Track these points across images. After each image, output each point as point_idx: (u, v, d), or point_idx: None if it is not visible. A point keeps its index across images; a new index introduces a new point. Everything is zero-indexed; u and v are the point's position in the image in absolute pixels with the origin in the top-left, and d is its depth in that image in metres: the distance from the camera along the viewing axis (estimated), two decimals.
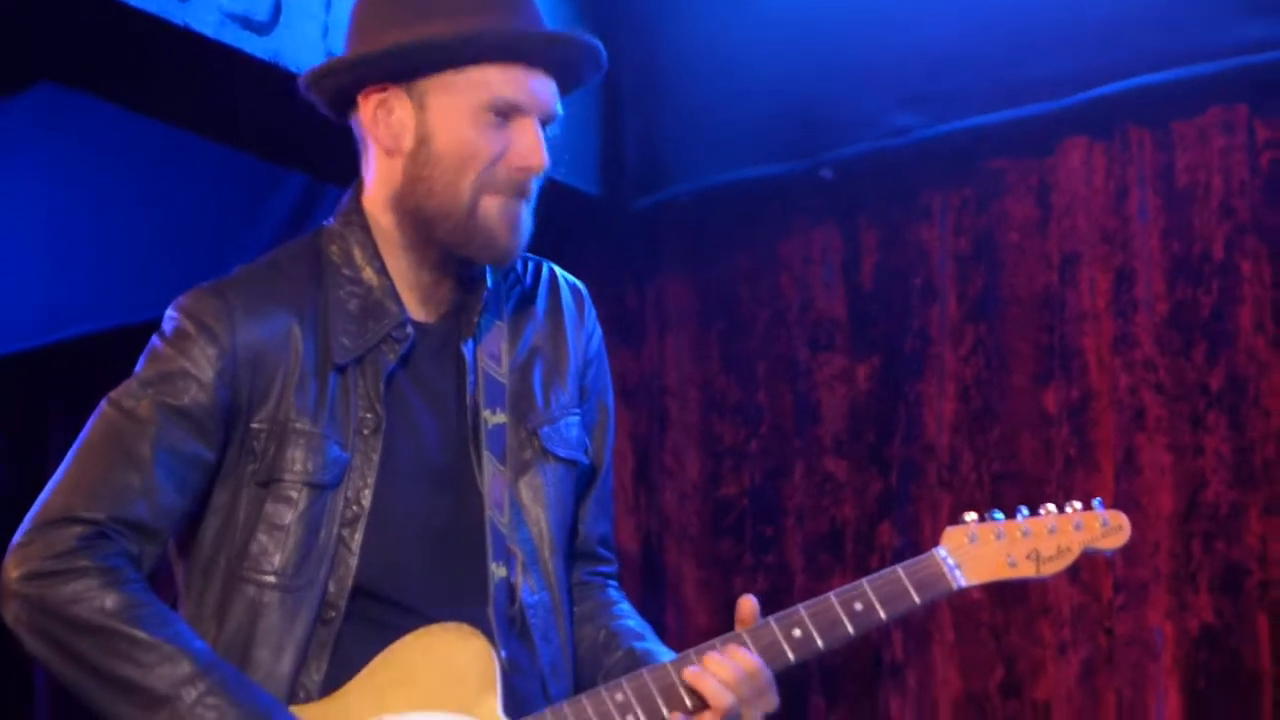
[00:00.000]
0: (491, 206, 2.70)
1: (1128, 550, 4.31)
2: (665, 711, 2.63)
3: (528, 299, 2.86)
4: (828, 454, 4.81)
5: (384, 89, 2.72)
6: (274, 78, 4.12)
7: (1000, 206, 4.63)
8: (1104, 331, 4.46)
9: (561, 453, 2.81)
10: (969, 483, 4.57)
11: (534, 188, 2.74)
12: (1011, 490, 4.49)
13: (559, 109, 2.74)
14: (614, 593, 2.93)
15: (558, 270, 2.92)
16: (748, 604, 2.70)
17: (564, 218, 4.79)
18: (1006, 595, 4.47)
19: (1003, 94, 4.51)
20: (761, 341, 4.95)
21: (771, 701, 2.66)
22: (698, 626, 4.85)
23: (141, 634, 2.56)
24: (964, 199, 4.69)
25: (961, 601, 4.52)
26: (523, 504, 2.76)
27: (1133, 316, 4.41)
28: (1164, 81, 4.36)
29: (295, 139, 4.39)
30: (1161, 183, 4.43)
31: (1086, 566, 4.38)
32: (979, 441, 4.59)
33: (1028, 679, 4.47)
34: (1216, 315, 4.34)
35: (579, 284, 2.94)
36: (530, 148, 2.69)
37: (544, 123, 2.73)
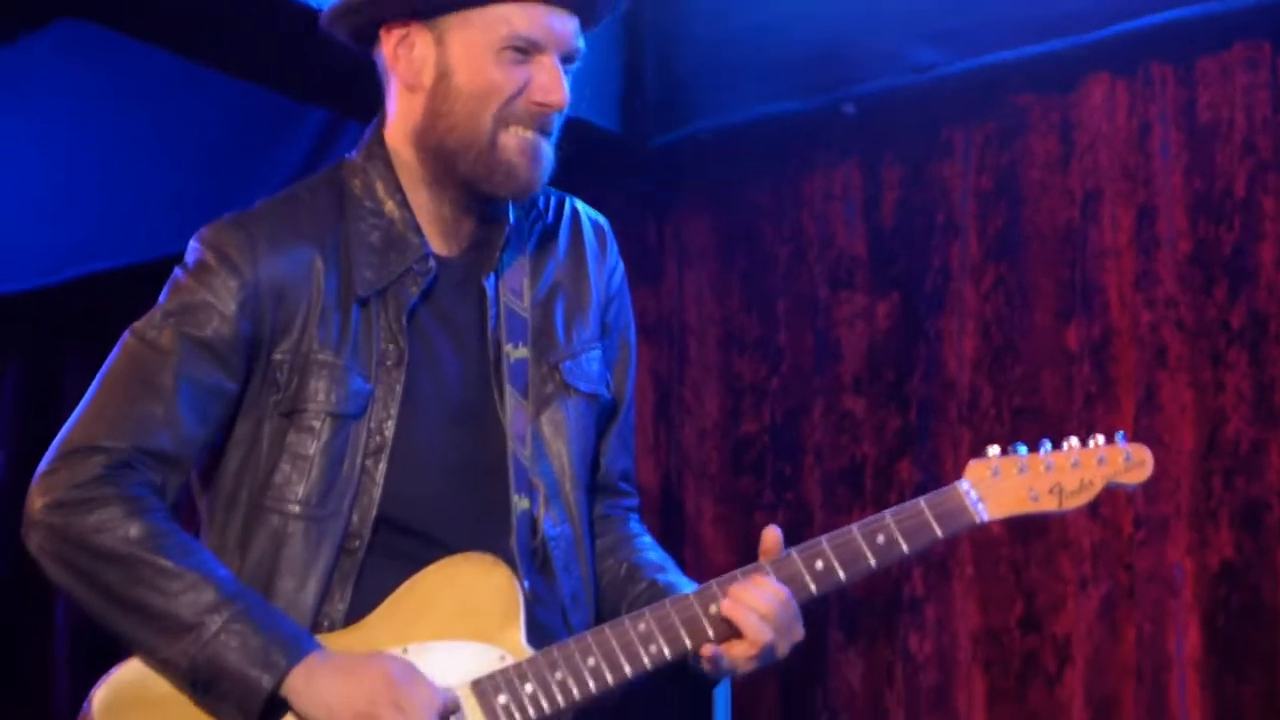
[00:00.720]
0: (511, 140, 2.70)
1: (1148, 486, 4.30)
2: (688, 642, 2.64)
3: (550, 234, 2.86)
4: (847, 391, 4.81)
5: (405, 25, 2.72)
6: (294, 13, 4.11)
7: (1022, 143, 4.62)
8: (1125, 268, 4.45)
9: (583, 387, 2.82)
10: (989, 419, 4.57)
11: (555, 124, 2.74)
12: (1031, 427, 4.49)
13: (580, 45, 2.74)
14: (635, 526, 2.94)
15: (580, 206, 2.92)
16: (772, 535, 2.70)
17: (584, 155, 4.77)
18: (1026, 530, 4.48)
19: (1026, 30, 4.49)
20: (782, 279, 4.95)
21: (799, 632, 2.67)
22: (716, 563, 4.86)
23: (166, 562, 2.57)
24: (986, 135, 4.67)
25: (981, 536, 4.53)
26: (544, 438, 2.77)
27: (1154, 253, 4.41)
28: (1188, 17, 4.35)
29: (315, 75, 4.38)
30: (1184, 119, 4.42)
31: (1107, 502, 4.38)
32: (999, 378, 4.59)
33: (1047, 614, 4.48)
34: (1238, 252, 4.33)
35: (601, 219, 2.94)
36: (550, 84, 2.70)
37: (565, 60, 2.73)
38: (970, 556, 4.54)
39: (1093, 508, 4.38)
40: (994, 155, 4.66)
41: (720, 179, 5.04)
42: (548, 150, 2.74)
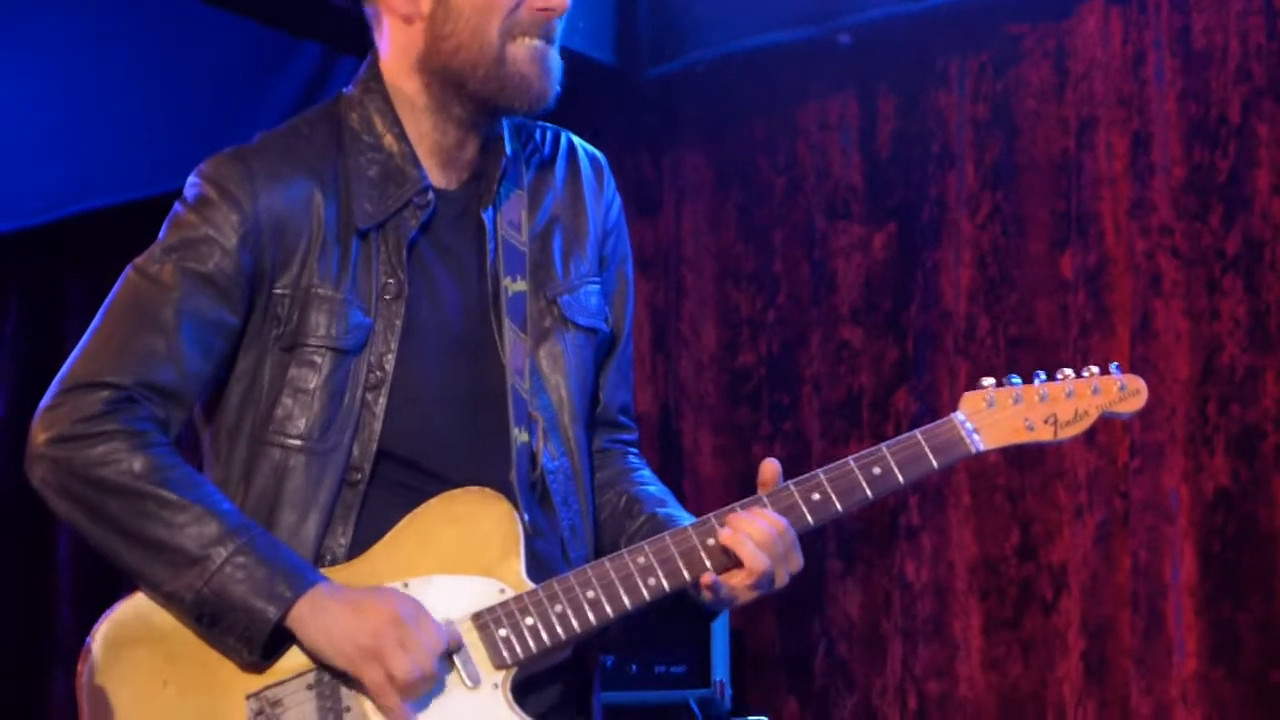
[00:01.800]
0: (520, 50, 2.70)
1: (1144, 414, 4.33)
2: (686, 574, 2.65)
3: (546, 168, 2.86)
4: (844, 322, 4.83)
5: None
6: None
7: (1017, 72, 4.62)
8: (1120, 196, 4.46)
9: (581, 321, 2.82)
10: (985, 348, 4.59)
11: (559, 29, 2.74)
12: (1028, 356, 4.51)
13: None
14: (635, 459, 2.94)
15: (576, 140, 2.92)
16: (770, 467, 2.72)
17: (579, 88, 4.76)
18: (1022, 460, 4.50)
19: None
20: (778, 210, 4.96)
21: (797, 562, 2.68)
22: (715, 494, 4.88)
23: (171, 495, 2.58)
24: (981, 64, 4.67)
25: (977, 466, 4.55)
26: (542, 371, 2.77)
27: (1149, 181, 4.41)
28: None
29: (309, 9, 4.37)
30: (1178, 46, 4.41)
31: (1102, 430, 4.41)
32: (995, 308, 4.60)
33: (1043, 542, 4.51)
34: (1233, 179, 4.34)
35: (598, 153, 2.94)
36: None
37: None
38: (966, 486, 4.57)
39: (1088, 436, 4.43)
40: (989, 84, 4.66)
41: (716, 110, 5.04)
42: (556, 59, 2.75)
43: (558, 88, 2.75)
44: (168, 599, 2.59)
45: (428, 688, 2.57)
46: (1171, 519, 4.32)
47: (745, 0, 4.81)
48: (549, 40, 2.72)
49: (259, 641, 2.55)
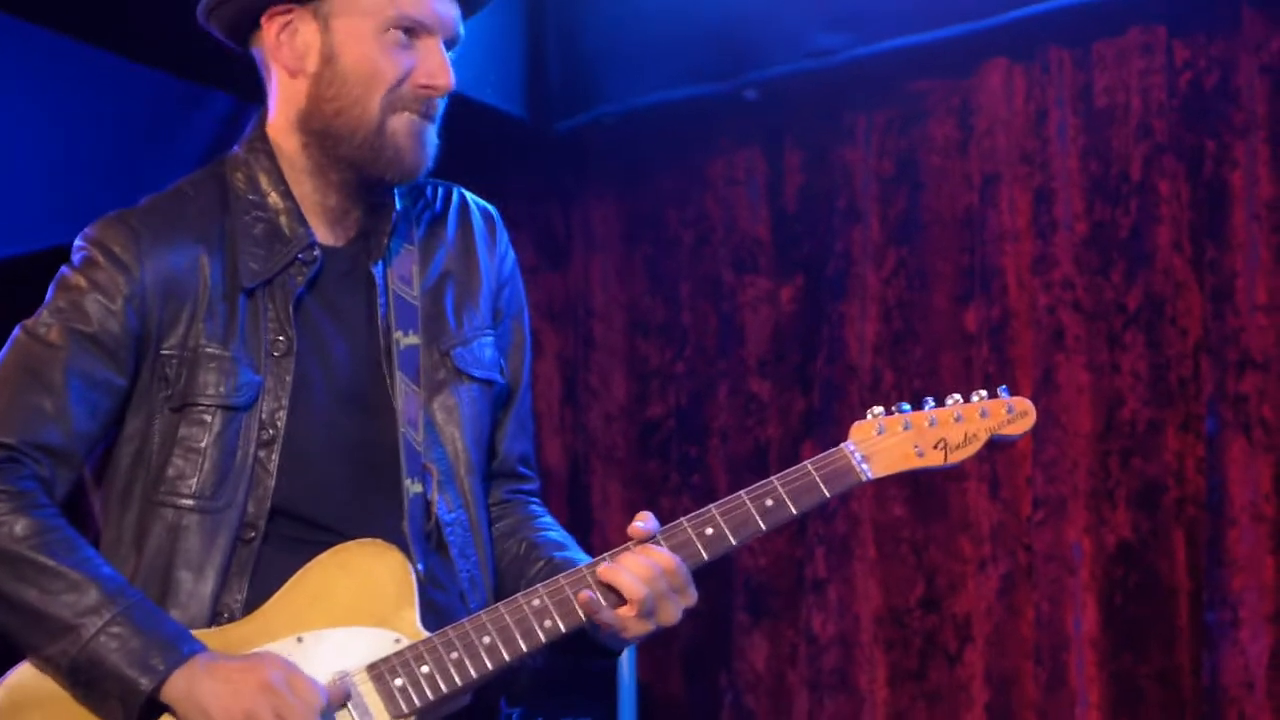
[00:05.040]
0: (400, 123, 2.73)
1: (1047, 468, 4.39)
2: (581, 614, 2.66)
3: (438, 223, 2.88)
4: (752, 374, 4.85)
5: (289, 11, 2.75)
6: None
7: (922, 128, 4.67)
8: (1023, 252, 4.50)
9: (476, 373, 2.83)
10: (890, 401, 4.60)
11: (440, 108, 2.77)
12: None
13: (461, 31, 2.79)
14: (536, 508, 2.95)
15: (468, 194, 2.94)
16: (638, 530, 2.71)
17: (490, 140, 4.79)
18: (927, 512, 4.53)
19: (925, 15, 4.54)
20: (687, 263, 4.98)
21: (690, 596, 2.69)
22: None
23: (48, 561, 2.58)
24: (887, 120, 4.71)
25: (883, 519, 4.57)
26: (436, 423, 2.78)
27: (1052, 236, 4.46)
28: (1084, 3, 4.40)
29: (217, 58, 4.36)
30: (1081, 103, 4.47)
31: (1006, 483, 4.45)
32: (900, 361, 4.63)
33: (947, 594, 4.53)
34: (1134, 235, 4.39)
35: (490, 207, 2.96)
36: (437, 67, 2.73)
37: (448, 44, 2.76)
38: (872, 539, 4.59)
39: (992, 489, 4.48)
40: (894, 140, 4.70)
41: (625, 163, 5.07)
42: (433, 135, 2.77)
43: (431, 164, 2.77)
44: (45, 663, 2.59)
45: None
46: (1074, 571, 4.35)
47: (655, 55, 4.84)
48: (429, 117, 2.75)
49: (134, 710, 2.54)
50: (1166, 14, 4.41)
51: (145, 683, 2.53)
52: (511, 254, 2.94)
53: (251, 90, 4.76)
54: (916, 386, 4.60)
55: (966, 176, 4.61)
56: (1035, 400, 4.44)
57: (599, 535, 4.98)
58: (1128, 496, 4.35)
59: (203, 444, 2.67)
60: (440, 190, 2.91)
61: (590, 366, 5.09)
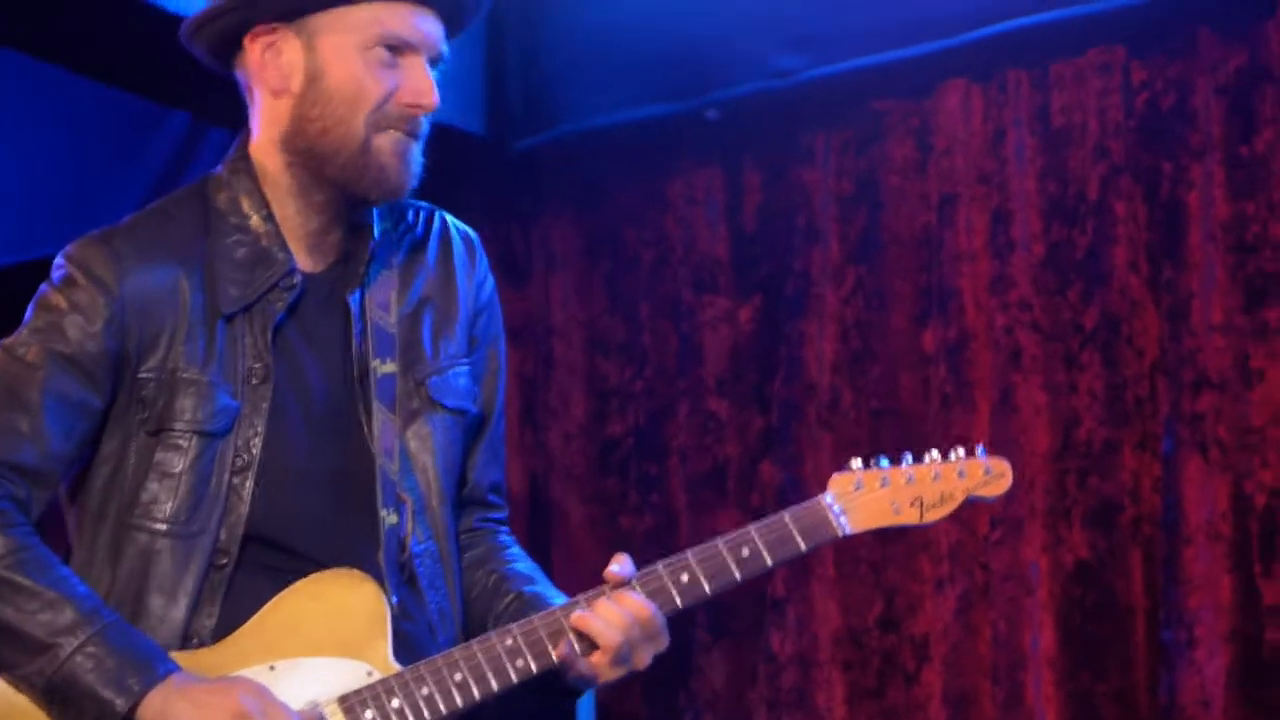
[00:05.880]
0: (384, 143, 2.72)
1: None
2: (554, 655, 2.67)
3: (419, 247, 2.87)
4: (710, 394, 4.86)
5: (272, 30, 2.73)
6: (154, 18, 4.09)
7: (881, 148, 4.68)
8: (981, 272, 4.52)
9: (449, 403, 2.83)
10: (849, 420, 4.63)
11: (424, 126, 2.76)
12: (890, 429, 4.56)
13: (445, 49, 2.77)
14: (505, 538, 2.95)
15: (449, 219, 2.94)
16: (613, 576, 2.71)
17: (449, 159, 4.77)
18: (886, 532, 4.53)
19: (884, 36, 4.55)
20: (646, 282, 4.98)
21: (662, 643, 2.70)
22: (584, 564, 4.88)
23: (23, 580, 2.57)
24: (846, 140, 4.73)
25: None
26: (410, 452, 2.78)
27: (1009, 257, 4.48)
28: (1043, 23, 4.42)
29: (175, 77, 4.35)
30: (1038, 124, 4.49)
31: None
32: (859, 380, 4.65)
33: (906, 614, 4.54)
34: (1091, 255, 4.41)
35: (471, 232, 2.95)
36: (422, 85, 2.72)
37: (432, 63, 2.75)
38: (831, 558, 4.60)
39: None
40: (853, 160, 4.72)
41: (585, 182, 5.07)
42: (418, 154, 2.76)
43: (415, 182, 2.77)
44: (20, 682, 2.58)
45: None
46: (1031, 590, 4.37)
47: (614, 74, 4.85)
48: (414, 136, 2.75)
49: None
50: (1124, 34, 4.43)
51: (121, 703, 2.53)
52: (490, 280, 2.94)
53: (207, 110, 4.78)
54: (875, 406, 4.61)
55: (924, 196, 4.62)
56: (992, 420, 4.52)
57: (559, 553, 4.98)
58: (1084, 515, 4.37)
59: (178, 469, 2.66)
60: (422, 213, 2.90)
61: (550, 385, 5.08)
